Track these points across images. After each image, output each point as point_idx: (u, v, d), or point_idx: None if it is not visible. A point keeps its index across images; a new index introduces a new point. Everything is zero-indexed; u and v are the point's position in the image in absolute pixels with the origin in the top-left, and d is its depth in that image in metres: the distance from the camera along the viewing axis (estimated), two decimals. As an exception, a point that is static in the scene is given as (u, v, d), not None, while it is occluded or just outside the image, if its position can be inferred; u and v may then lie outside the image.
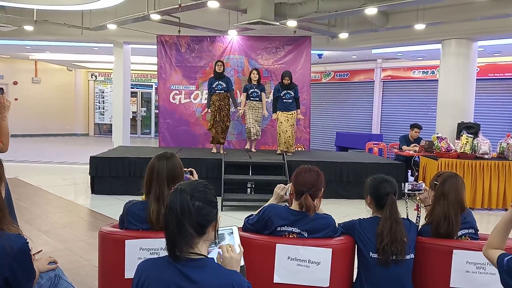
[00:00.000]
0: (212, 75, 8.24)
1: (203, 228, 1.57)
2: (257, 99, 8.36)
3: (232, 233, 1.88)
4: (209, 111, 8.16)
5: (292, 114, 8.07)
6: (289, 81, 7.99)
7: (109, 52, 11.96)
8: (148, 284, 1.55)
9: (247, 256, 1.89)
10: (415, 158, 8.10)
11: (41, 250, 2.53)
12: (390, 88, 14.35)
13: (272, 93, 8.64)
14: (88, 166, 7.45)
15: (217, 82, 8.04)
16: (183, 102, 9.79)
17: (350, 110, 15.26)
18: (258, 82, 8.38)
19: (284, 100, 8.01)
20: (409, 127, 8.82)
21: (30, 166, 10.32)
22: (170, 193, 1.60)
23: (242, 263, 1.78)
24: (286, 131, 8.04)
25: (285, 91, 8.00)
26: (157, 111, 14.75)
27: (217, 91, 8.02)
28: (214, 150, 8.23)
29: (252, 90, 8.33)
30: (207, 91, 8.43)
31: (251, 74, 8.42)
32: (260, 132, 8.61)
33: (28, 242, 1.85)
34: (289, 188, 2.66)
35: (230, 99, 8.21)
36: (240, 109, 8.53)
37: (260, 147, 9.26)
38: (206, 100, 8.40)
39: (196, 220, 1.54)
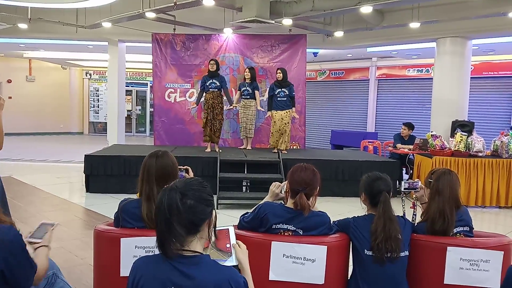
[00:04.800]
0: (207, 73, 8.25)
1: (197, 227, 1.57)
2: (248, 97, 8.44)
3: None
4: (204, 109, 8.14)
5: (287, 113, 8.08)
6: (281, 75, 8.05)
7: (104, 50, 11.91)
8: (144, 282, 1.55)
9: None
10: (409, 156, 8.14)
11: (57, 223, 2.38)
12: (385, 86, 14.38)
13: (267, 91, 8.67)
14: (83, 164, 7.43)
15: (210, 81, 8.04)
16: (178, 101, 9.78)
17: (345, 108, 15.29)
18: (251, 80, 8.43)
19: (279, 99, 8.03)
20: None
21: (25, 165, 10.28)
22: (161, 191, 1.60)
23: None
24: (280, 130, 8.06)
25: (280, 90, 8.03)
26: (152, 109, 14.74)
27: (210, 89, 8.03)
28: (208, 149, 8.22)
29: (244, 88, 8.42)
30: (199, 88, 8.40)
31: (244, 73, 8.51)
32: (252, 130, 8.65)
33: (21, 234, 1.83)
34: (285, 186, 2.67)
35: (224, 97, 8.24)
36: (232, 106, 8.58)
37: (256, 145, 9.27)
38: (198, 97, 8.39)
39: (187, 219, 1.53)
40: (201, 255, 1.57)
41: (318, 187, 2.56)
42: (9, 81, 17.09)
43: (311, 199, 2.53)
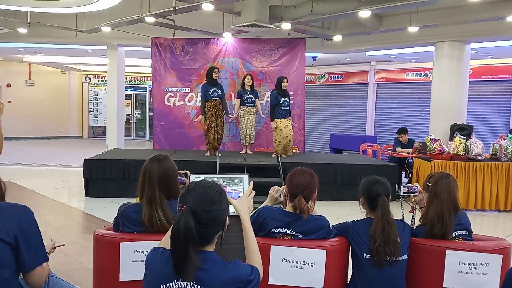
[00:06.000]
0: (205, 80, 8.24)
1: (212, 237, 1.62)
2: (252, 104, 8.46)
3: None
4: (206, 117, 8.10)
5: (289, 120, 8.27)
6: (287, 84, 8.15)
7: (103, 54, 11.92)
8: (159, 277, 1.58)
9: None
10: (408, 159, 8.15)
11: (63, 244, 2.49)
12: (384, 90, 14.41)
13: (267, 98, 8.68)
14: (82, 168, 7.43)
15: (213, 89, 8.06)
16: (177, 105, 9.79)
17: (344, 112, 15.32)
18: (251, 88, 8.45)
19: (283, 108, 8.12)
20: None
21: (24, 169, 10.27)
22: (177, 213, 1.57)
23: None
24: (287, 137, 8.12)
25: (284, 99, 8.12)
26: (151, 113, 14.76)
27: (213, 98, 8.06)
28: (208, 153, 8.24)
29: (247, 95, 8.41)
30: (201, 98, 8.34)
31: (245, 79, 8.48)
32: (254, 137, 8.67)
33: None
34: (284, 190, 2.67)
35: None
36: (232, 116, 8.58)
37: (255, 149, 9.27)
38: (201, 107, 8.30)
39: (203, 238, 1.57)
40: (211, 252, 1.61)
41: (317, 191, 2.57)
42: (8, 85, 17.10)
43: (309, 202, 2.53)
